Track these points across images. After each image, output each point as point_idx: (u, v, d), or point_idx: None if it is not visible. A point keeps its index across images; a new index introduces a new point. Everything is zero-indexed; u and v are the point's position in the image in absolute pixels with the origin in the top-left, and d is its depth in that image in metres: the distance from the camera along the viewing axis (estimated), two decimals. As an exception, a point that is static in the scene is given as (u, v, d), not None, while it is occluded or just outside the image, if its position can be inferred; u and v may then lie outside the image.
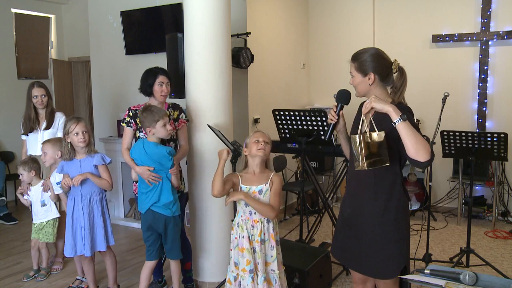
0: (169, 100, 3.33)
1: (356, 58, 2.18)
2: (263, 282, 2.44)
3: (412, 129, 1.93)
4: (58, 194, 3.52)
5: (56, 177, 3.41)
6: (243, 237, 2.47)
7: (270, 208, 2.45)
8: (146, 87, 3.15)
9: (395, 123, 1.93)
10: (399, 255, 2.18)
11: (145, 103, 3.20)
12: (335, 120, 2.25)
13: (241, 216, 2.52)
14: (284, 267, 2.61)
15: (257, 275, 2.45)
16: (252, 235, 2.48)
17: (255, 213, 2.48)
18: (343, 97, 2.25)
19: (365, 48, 2.22)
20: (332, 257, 3.65)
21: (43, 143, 3.53)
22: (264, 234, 2.48)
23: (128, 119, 3.18)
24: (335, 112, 2.24)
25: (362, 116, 2.04)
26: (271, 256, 2.50)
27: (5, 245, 4.62)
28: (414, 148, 1.91)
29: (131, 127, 3.16)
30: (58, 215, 3.69)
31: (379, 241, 2.17)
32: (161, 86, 3.12)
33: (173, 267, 3.10)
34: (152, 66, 3.24)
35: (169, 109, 3.20)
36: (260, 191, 2.48)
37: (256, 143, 2.50)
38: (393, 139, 2.07)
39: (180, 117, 3.22)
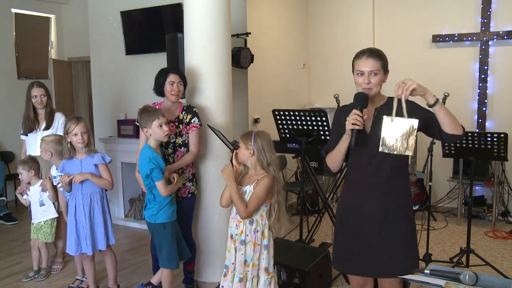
0: (185, 102, 3.28)
1: (381, 55, 2.12)
2: (237, 282, 2.46)
3: (445, 107, 2.03)
4: (56, 193, 3.52)
5: (54, 171, 3.43)
6: (228, 233, 2.54)
7: (243, 207, 2.39)
8: (158, 87, 3.09)
9: (433, 105, 1.99)
10: (415, 251, 2.22)
11: (156, 103, 3.19)
12: (362, 125, 2.07)
13: (231, 214, 2.56)
14: (271, 275, 2.51)
15: (231, 273, 2.49)
16: (236, 234, 2.49)
17: None
18: (362, 100, 2.10)
19: (371, 47, 2.21)
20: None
21: (42, 140, 3.52)
22: (246, 235, 2.45)
23: None
24: (361, 116, 2.05)
25: (401, 98, 1.95)
26: (251, 259, 2.47)
27: (5, 245, 4.62)
28: (454, 124, 2.01)
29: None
30: (56, 215, 3.70)
31: (397, 238, 2.17)
32: (171, 85, 3.03)
33: (162, 275, 3.02)
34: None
35: (183, 112, 3.14)
36: (245, 192, 2.46)
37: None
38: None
39: (192, 121, 3.12)
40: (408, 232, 2.21)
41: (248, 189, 2.46)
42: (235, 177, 2.47)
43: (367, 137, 2.14)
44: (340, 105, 3.84)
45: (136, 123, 3.20)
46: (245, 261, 2.47)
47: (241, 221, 2.47)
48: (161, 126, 2.79)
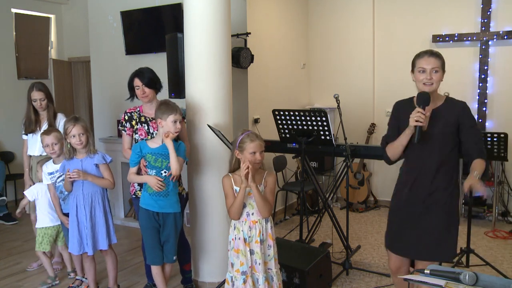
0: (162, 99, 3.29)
1: (440, 56, 2.44)
2: (264, 282, 2.44)
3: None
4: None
5: (48, 167, 3.37)
6: (239, 238, 2.48)
7: (270, 206, 2.45)
8: (130, 90, 3.16)
9: None
10: (450, 244, 2.42)
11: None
12: (425, 122, 2.31)
13: (240, 218, 2.50)
14: (279, 265, 2.60)
15: (251, 277, 2.45)
16: (250, 236, 2.46)
17: (252, 214, 2.47)
18: (424, 99, 2.34)
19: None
20: (332, 257, 3.66)
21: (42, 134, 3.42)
22: (262, 234, 2.47)
23: (123, 122, 3.19)
24: (423, 114, 2.28)
25: None
26: (268, 255, 2.50)
27: (5, 245, 4.62)
28: None
29: (125, 131, 3.18)
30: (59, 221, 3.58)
31: (435, 227, 2.38)
32: (138, 89, 3.09)
33: (168, 270, 3.15)
34: (152, 66, 3.24)
35: None
36: None
37: (252, 155, 2.43)
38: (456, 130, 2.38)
39: None
40: (446, 225, 2.39)
41: (260, 188, 2.47)
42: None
43: (424, 133, 2.33)
44: (340, 105, 3.90)
45: (119, 127, 3.22)
46: (264, 259, 2.48)
47: (256, 222, 2.46)
48: (175, 122, 2.80)
